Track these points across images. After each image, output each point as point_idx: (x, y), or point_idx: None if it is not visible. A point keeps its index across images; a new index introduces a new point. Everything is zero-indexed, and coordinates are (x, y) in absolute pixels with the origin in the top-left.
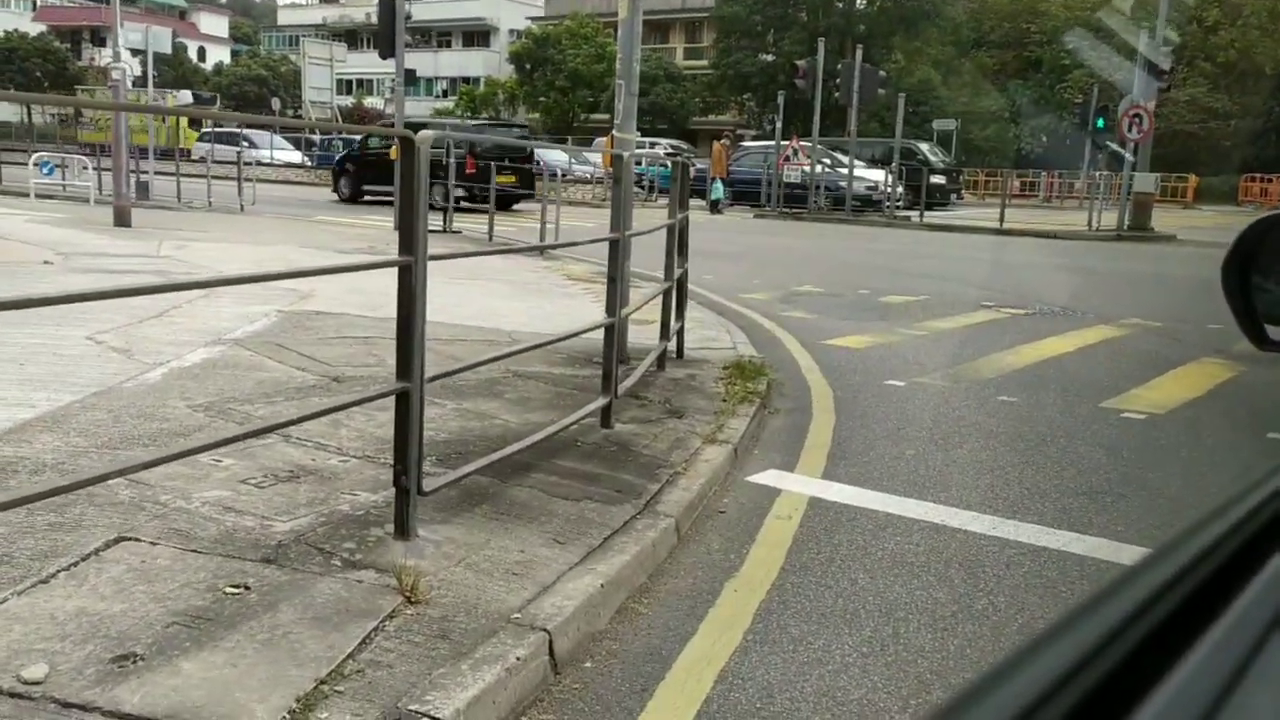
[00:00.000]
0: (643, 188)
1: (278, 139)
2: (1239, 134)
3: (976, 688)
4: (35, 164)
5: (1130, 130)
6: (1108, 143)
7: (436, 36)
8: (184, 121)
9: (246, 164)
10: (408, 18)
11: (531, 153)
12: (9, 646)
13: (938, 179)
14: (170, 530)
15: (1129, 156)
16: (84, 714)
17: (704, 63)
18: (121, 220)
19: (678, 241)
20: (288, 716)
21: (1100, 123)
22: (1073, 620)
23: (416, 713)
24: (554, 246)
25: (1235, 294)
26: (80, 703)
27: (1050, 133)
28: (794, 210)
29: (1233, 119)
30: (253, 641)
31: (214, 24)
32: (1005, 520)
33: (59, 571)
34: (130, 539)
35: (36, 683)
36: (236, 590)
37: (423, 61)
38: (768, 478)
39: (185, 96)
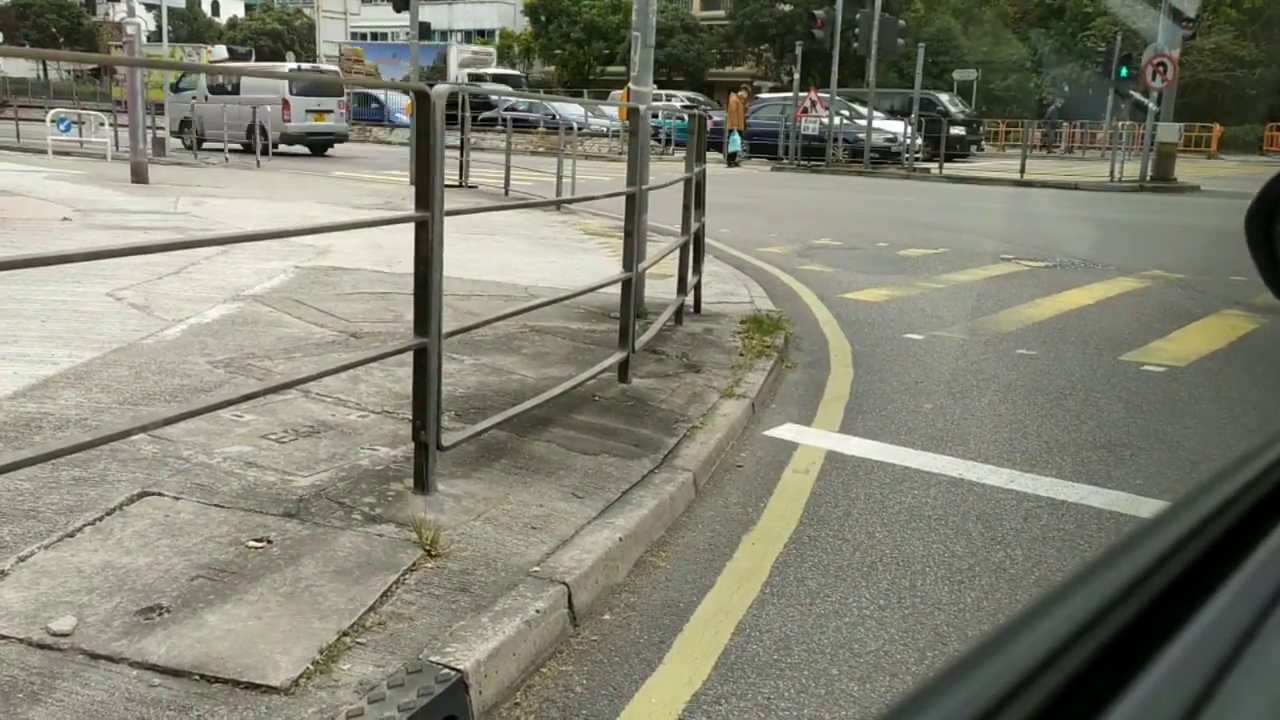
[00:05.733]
0: (659, 141)
1: None
2: (1264, 83)
3: (995, 638)
4: (52, 121)
5: (1154, 79)
6: (1131, 92)
7: None
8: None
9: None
10: None
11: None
12: (37, 599)
13: (957, 130)
14: (193, 485)
15: (1152, 106)
16: (112, 665)
17: (721, 13)
18: (139, 176)
19: (694, 195)
20: (311, 667)
21: (1124, 72)
22: (1090, 573)
23: (438, 664)
24: (570, 201)
25: (1259, 245)
26: (108, 654)
27: (1073, 82)
28: (812, 163)
29: (1258, 67)
30: (275, 594)
31: None
32: (1023, 473)
33: (85, 526)
34: (154, 494)
35: (65, 635)
36: (259, 544)
37: (437, 14)
38: (785, 432)
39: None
